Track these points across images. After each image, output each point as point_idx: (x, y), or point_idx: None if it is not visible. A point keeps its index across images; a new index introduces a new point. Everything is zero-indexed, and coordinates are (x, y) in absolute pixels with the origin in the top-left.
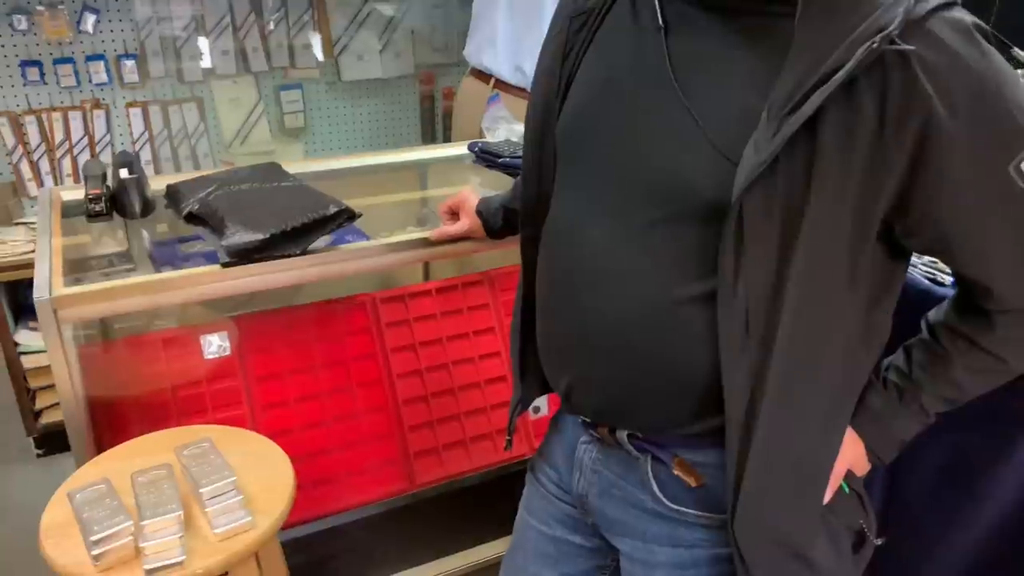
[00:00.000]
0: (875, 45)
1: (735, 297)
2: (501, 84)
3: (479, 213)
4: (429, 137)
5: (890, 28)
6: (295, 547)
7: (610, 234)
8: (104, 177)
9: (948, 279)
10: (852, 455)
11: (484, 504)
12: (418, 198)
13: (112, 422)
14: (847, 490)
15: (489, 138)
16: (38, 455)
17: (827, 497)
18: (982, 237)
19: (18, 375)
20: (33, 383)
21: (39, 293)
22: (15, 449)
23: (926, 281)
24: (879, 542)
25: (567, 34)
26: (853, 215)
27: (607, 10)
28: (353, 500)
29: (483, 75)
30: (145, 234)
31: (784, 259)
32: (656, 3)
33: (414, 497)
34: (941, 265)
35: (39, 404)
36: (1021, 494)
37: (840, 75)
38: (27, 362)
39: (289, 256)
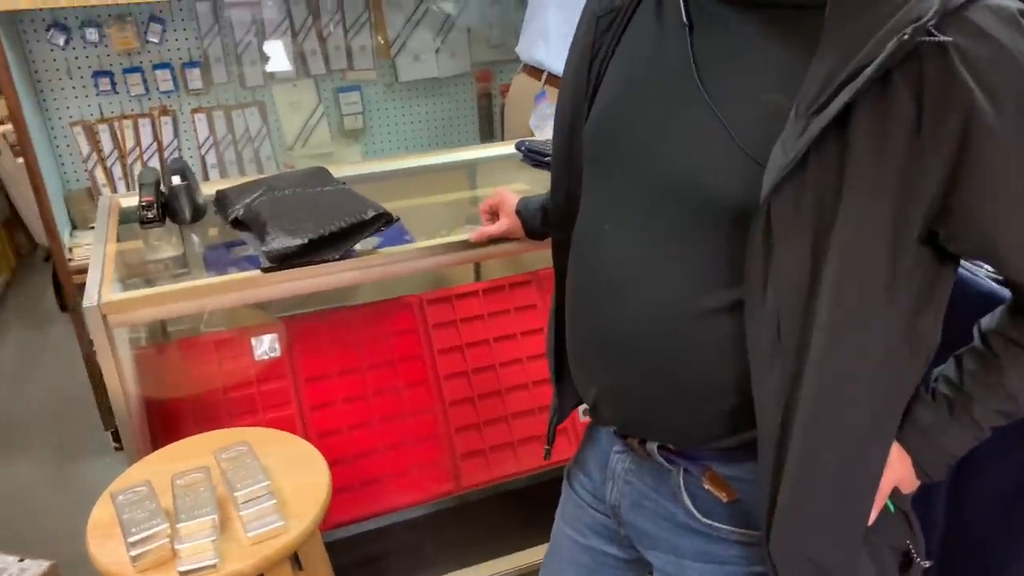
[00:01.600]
0: (906, 36)
1: (764, 304)
2: (553, 79)
3: (518, 213)
4: (488, 135)
5: (925, 18)
6: (343, 547)
7: (633, 240)
8: (157, 184)
9: (981, 270)
10: (899, 472)
11: (531, 508)
12: (467, 197)
13: (167, 422)
14: (892, 509)
15: (536, 136)
16: (115, 448)
17: (871, 517)
18: None
19: (95, 372)
20: None
21: (88, 300)
22: (95, 443)
23: (990, 282)
24: (927, 564)
25: (595, 34)
26: (890, 217)
27: (634, 9)
28: (400, 501)
29: (536, 71)
30: (195, 239)
31: (816, 264)
32: (680, 0)
33: (460, 499)
34: None
35: None
36: None
37: (870, 69)
38: None
39: (328, 260)
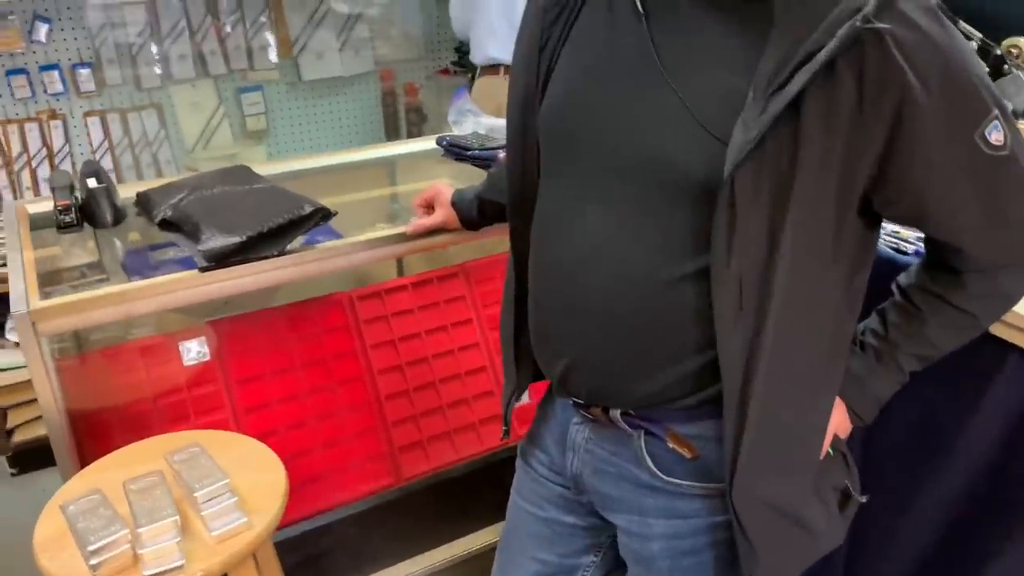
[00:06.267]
0: (858, 24)
1: (728, 273)
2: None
3: (454, 204)
4: (393, 134)
5: (866, 9)
6: (287, 547)
7: (601, 219)
8: (72, 188)
9: (910, 248)
10: (836, 418)
11: (471, 494)
12: (388, 194)
13: (94, 434)
14: (832, 451)
15: (456, 131)
16: (12, 474)
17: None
18: (953, 201)
19: None
20: (3, 401)
21: (16, 307)
22: None
23: (889, 250)
24: (863, 499)
25: (542, 25)
26: (837, 188)
27: (583, 2)
28: (341, 497)
29: (493, 68)
30: (118, 243)
31: (774, 233)
32: None
33: (401, 491)
34: (904, 235)
35: (11, 422)
36: (987, 446)
37: (823, 54)
38: None
39: (267, 257)
